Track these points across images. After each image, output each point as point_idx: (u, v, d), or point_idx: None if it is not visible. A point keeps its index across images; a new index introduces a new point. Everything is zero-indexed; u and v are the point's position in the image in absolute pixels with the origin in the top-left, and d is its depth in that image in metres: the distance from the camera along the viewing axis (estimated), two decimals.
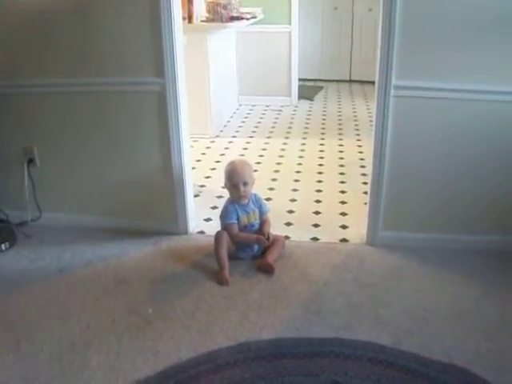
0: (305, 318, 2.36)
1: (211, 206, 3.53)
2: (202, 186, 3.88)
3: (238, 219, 2.79)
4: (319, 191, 3.78)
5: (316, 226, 3.24)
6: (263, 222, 2.88)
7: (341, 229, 3.19)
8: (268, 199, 3.57)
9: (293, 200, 3.63)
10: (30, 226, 3.24)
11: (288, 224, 3.26)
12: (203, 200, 3.62)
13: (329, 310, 2.41)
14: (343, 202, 3.57)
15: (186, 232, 3.13)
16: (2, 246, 3.02)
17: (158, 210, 3.14)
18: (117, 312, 2.43)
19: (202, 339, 2.22)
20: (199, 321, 2.35)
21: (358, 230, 3.10)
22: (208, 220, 3.33)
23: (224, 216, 2.81)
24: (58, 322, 2.37)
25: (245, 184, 2.76)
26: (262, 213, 2.90)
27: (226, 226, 2.79)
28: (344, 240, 3.05)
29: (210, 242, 2.82)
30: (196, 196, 3.53)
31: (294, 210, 3.48)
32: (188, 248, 2.99)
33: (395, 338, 2.20)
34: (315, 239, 3.07)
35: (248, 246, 2.81)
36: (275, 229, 3.04)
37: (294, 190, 3.82)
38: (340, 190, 3.79)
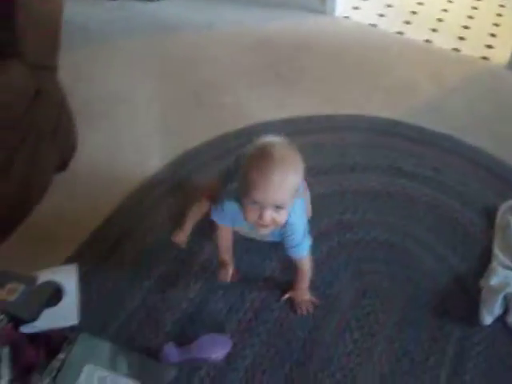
0: (423, 111, 2.47)
1: None
2: None
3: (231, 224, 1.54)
4: (475, 8, 3.62)
5: (461, 38, 3.17)
6: (297, 271, 1.57)
7: (486, 48, 3.10)
8: (419, 3, 3.51)
9: (444, 10, 3.54)
10: None
11: (433, 30, 3.23)
12: None
13: (449, 110, 2.49)
14: (496, 25, 3.42)
15: (332, 13, 3.20)
16: None
17: None
18: (256, 66, 2.68)
19: (328, 104, 2.43)
20: (329, 84, 2.57)
21: (503, 52, 2.99)
22: (356, 8, 3.38)
23: (215, 209, 1.50)
24: (203, 65, 2.68)
25: (277, 208, 1.27)
26: (290, 253, 1.50)
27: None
28: (485, 58, 2.99)
29: (354, 28, 2.92)
30: None
31: (442, 18, 3.41)
32: (331, 30, 3.08)
33: (505, 152, 2.21)
34: (457, 50, 3.04)
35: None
36: (420, 33, 3.06)
37: (448, 0, 3.69)
38: (497, 12, 3.61)
